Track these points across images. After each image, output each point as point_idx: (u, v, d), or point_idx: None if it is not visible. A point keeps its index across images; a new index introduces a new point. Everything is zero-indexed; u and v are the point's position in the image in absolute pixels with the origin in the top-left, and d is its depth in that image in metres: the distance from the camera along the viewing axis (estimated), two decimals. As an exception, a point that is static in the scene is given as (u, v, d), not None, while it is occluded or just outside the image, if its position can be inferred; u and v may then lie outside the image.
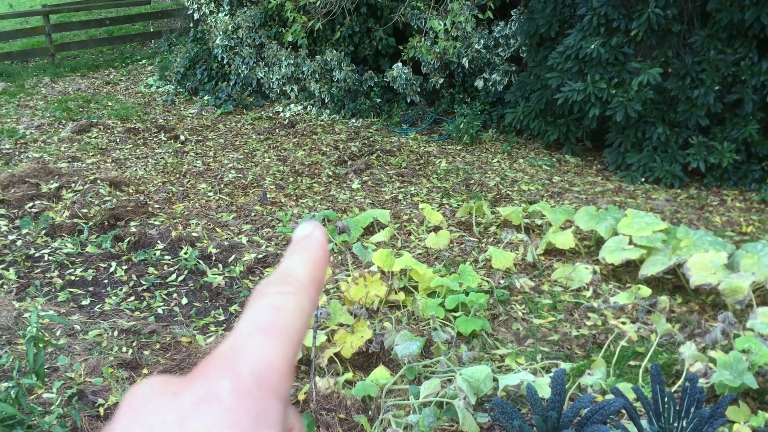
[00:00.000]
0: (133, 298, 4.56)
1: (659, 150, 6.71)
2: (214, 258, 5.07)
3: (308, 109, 9.10)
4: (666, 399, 2.85)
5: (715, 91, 6.35)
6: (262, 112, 9.13)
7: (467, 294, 4.35)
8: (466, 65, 8.44)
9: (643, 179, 6.71)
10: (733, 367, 3.36)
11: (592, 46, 6.74)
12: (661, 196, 6.37)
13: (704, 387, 3.40)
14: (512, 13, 8.31)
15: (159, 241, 5.25)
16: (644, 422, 2.89)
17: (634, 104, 6.51)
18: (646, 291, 4.40)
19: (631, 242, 4.71)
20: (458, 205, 6.05)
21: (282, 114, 9.01)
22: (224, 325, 4.30)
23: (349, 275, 4.58)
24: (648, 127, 6.73)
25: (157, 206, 6.03)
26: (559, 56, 7.05)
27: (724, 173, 6.54)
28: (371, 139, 8.06)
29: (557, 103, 7.06)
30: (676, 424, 2.83)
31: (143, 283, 4.71)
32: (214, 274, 4.85)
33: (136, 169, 6.98)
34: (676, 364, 3.76)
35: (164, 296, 4.59)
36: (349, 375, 3.73)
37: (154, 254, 5.07)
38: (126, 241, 5.21)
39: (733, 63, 6.34)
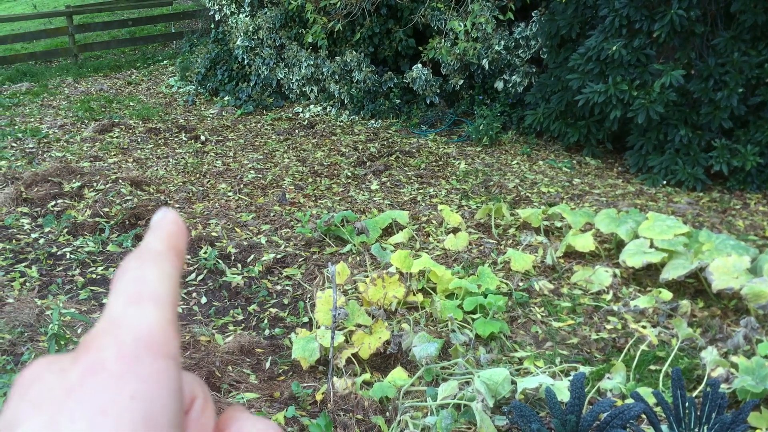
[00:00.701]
0: (153, 296, 4.58)
1: (681, 153, 6.64)
2: (233, 258, 5.09)
3: (328, 110, 9.12)
4: (687, 404, 2.82)
5: (739, 94, 6.27)
6: (282, 113, 9.16)
7: (486, 296, 4.33)
8: (486, 66, 8.41)
9: (664, 182, 6.65)
10: (756, 373, 3.32)
11: (614, 48, 6.69)
12: (683, 200, 6.31)
13: (726, 392, 3.35)
14: (533, 14, 8.28)
15: (179, 241, 5.28)
16: (665, 427, 2.86)
17: (656, 106, 6.45)
18: (667, 295, 4.35)
19: (652, 245, 4.67)
20: (477, 206, 6.03)
21: (301, 115, 9.04)
22: (243, 325, 4.31)
23: (368, 276, 4.58)
24: (670, 130, 6.67)
25: (177, 206, 6.07)
26: (580, 57, 7.01)
27: (748, 176, 6.46)
28: (390, 140, 8.06)
29: (578, 105, 7.02)
30: (697, 430, 2.80)
31: (163, 282, 4.73)
32: (233, 274, 4.88)
33: (156, 169, 7.03)
34: (698, 369, 3.71)
35: (184, 295, 4.61)
36: (366, 376, 3.73)
37: (174, 253, 5.09)
38: (146, 240, 5.24)
39: (757, 65, 6.26)
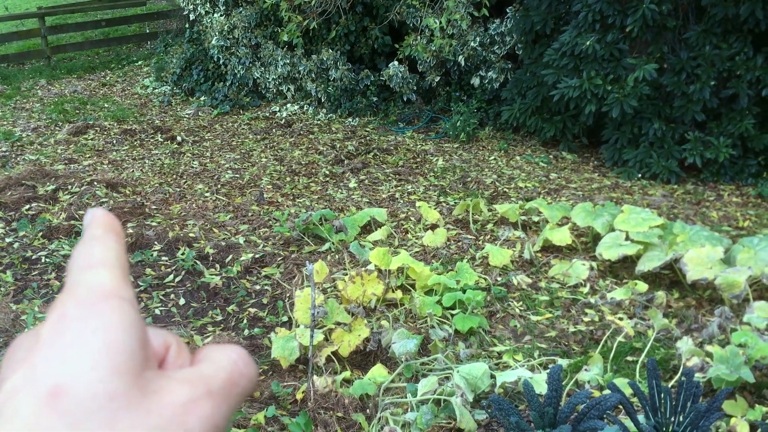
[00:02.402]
0: (130, 299, 4.55)
1: (655, 146, 6.71)
2: (211, 258, 5.07)
3: (305, 108, 9.10)
4: (662, 394, 2.86)
5: (711, 87, 6.35)
6: (259, 112, 9.12)
7: (464, 291, 4.35)
8: (462, 63, 8.43)
9: (639, 175, 6.72)
10: (730, 362, 3.37)
11: (588, 43, 6.74)
12: (657, 192, 6.38)
13: (701, 381, 3.40)
14: (507, 10, 8.31)
15: (156, 242, 5.25)
16: (641, 417, 2.90)
17: (630, 100, 6.51)
18: (642, 287, 4.40)
19: (627, 238, 4.72)
20: (455, 202, 6.06)
21: (279, 114, 9.01)
22: (222, 325, 4.30)
23: (347, 274, 4.58)
24: (644, 123, 6.74)
25: (153, 207, 6.03)
26: (555, 53, 7.06)
27: (721, 168, 6.54)
28: (368, 137, 8.06)
29: (553, 100, 7.07)
30: (673, 419, 2.84)
31: (140, 284, 4.70)
32: (212, 275, 4.86)
33: (132, 171, 6.98)
34: (674, 359, 3.76)
35: (162, 297, 4.59)
36: (347, 373, 3.73)
37: (151, 255, 5.07)
38: (123, 242, 5.20)
39: (729, 58, 6.35)
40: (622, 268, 4.81)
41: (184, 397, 0.36)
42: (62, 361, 0.33)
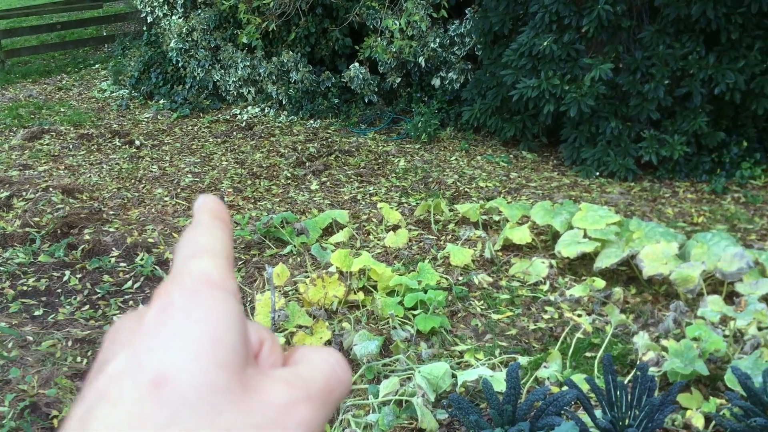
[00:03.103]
0: (87, 306, 4.48)
1: (613, 144, 6.82)
2: (171, 264, 5.00)
3: (266, 111, 9.05)
4: (619, 389, 2.91)
5: (665, 85, 6.48)
6: (219, 115, 9.05)
7: (426, 292, 4.37)
8: (423, 64, 8.47)
9: (597, 173, 6.82)
10: (684, 355, 3.44)
11: (545, 43, 6.82)
12: (615, 190, 6.48)
13: (657, 375, 3.47)
14: (467, 11, 8.37)
15: (114, 248, 5.17)
16: (598, 412, 2.94)
17: (587, 99, 6.61)
18: (600, 283, 4.47)
19: (585, 236, 4.78)
20: (417, 203, 6.08)
21: (239, 116, 8.94)
22: (182, 331, 4.24)
23: (308, 277, 4.56)
24: (601, 122, 6.84)
25: (111, 213, 5.93)
26: (513, 53, 7.13)
27: (676, 165, 6.67)
28: (330, 139, 8.05)
29: (512, 100, 7.13)
30: (629, 413, 2.89)
31: (98, 291, 4.63)
32: (171, 280, 4.79)
33: (89, 176, 6.86)
34: (631, 354, 3.83)
35: (120, 304, 4.52)
36: (308, 377, 3.71)
37: (109, 261, 4.99)
38: (80, 249, 5.12)
39: (682, 57, 6.48)
40: (580, 266, 4.88)
41: (284, 398, 0.36)
42: (165, 350, 0.33)
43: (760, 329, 3.80)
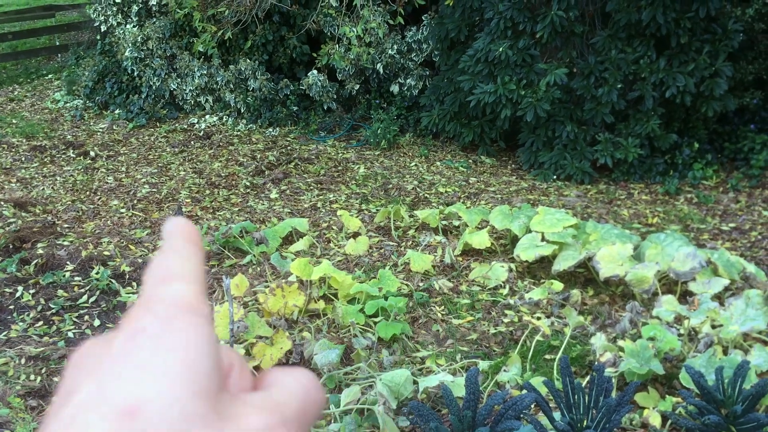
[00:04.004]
0: (41, 322, 4.38)
1: (569, 148, 6.92)
2: (127, 276, 4.92)
3: (224, 119, 8.97)
4: (576, 391, 2.94)
5: (618, 89, 6.60)
6: (177, 125, 8.94)
7: (386, 299, 4.37)
8: (381, 71, 8.49)
9: (555, 177, 6.91)
10: (640, 355, 3.50)
11: (501, 49, 6.90)
12: (572, 193, 6.57)
13: (614, 376, 3.52)
14: (423, 18, 8.42)
15: (68, 262, 5.07)
16: (558, 415, 2.97)
17: (543, 104, 6.70)
18: (558, 286, 4.52)
19: (543, 239, 4.84)
20: (377, 210, 6.08)
21: (197, 125, 8.85)
22: (139, 346, 4.17)
23: (268, 286, 4.53)
24: (557, 126, 6.94)
25: (66, 226, 5.81)
26: (470, 59, 7.19)
27: (631, 168, 6.80)
28: (289, 147, 8.01)
29: (470, 106, 7.19)
30: (587, 415, 2.92)
31: (52, 306, 4.53)
32: (128, 293, 4.72)
33: (43, 188, 6.71)
34: (589, 355, 3.88)
35: (75, 319, 4.42)
36: (269, 388, 3.68)
37: (64, 276, 4.88)
38: (33, 263, 5.00)
39: (633, 61, 6.61)
40: (539, 269, 4.93)
41: (259, 424, 0.34)
42: (137, 379, 0.32)
43: (713, 327, 3.88)
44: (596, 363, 3.65)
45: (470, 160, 7.56)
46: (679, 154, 6.81)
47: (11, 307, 4.52)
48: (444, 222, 5.67)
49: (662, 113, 6.70)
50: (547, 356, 3.93)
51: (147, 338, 0.34)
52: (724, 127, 7.19)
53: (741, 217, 5.88)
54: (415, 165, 7.42)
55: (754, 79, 7.29)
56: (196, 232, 0.42)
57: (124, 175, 7.16)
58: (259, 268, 5.04)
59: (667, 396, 3.46)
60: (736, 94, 6.93)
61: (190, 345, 0.34)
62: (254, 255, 5.20)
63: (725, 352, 3.65)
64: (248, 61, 8.60)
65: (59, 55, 12.77)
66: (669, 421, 3.28)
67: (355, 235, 5.49)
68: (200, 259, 0.40)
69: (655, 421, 3.29)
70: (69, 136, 8.49)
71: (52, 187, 6.77)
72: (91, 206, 6.30)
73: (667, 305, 4.06)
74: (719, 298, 4.20)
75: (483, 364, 3.79)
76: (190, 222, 0.42)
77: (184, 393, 0.32)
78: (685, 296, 4.29)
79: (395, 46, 8.40)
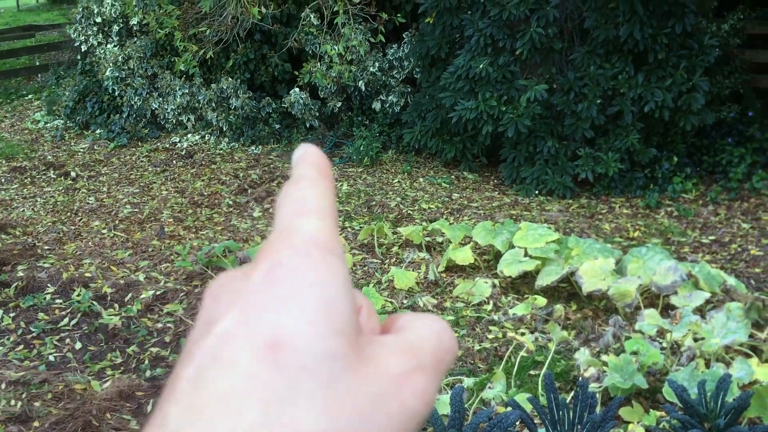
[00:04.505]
0: (22, 346, 4.33)
1: (550, 163, 6.97)
2: (109, 298, 4.88)
3: (206, 138, 8.95)
4: (561, 406, 2.94)
5: (598, 105, 6.67)
6: (158, 144, 8.91)
7: (371, 317, 4.36)
8: (363, 88, 8.52)
9: (537, 192, 6.95)
10: (624, 370, 3.51)
11: (481, 66, 6.95)
12: (554, 207, 6.62)
13: (598, 391, 3.53)
14: (404, 35, 8.48)
15: (49, 285, 5.02)
16: (542, 431, 2.97)
17: (524, 120, 6.75)
18: (542, 301, 4.54)
19: (526, 254, 4.86)
20: (360, 227, 6.08)
21: (179, 144, 8.82)
22: (122, 368, 4.13)
23: (251, 306, 4.50)
24: (538, 142, 6.99)
25: (46, 248, 5.76)
26: (451, 76, 7.24)
27: (611, 182, 6.86)
28: (272, 165, 8.01)
29: (452, 122, 7.23)
30: (573, 430, 2.92)
31: (33, 330, 4.47)
32: (110, 315, 4.67)
33: (23, 210, 6.65)
34: (573, 370, 3.89)
35: (56, 342, 4.38)
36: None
37: (44, 299, 4.83)
38: (13, 286, 4.95)
39: (612, 77, 6.68)
40: (522, 284, 4.95)
41: (398, 367, 0.33)
42: (279, 313, 0.32)
43: (695, 340, 3.91)
44: (580, 378, 3.66)
45: (453, 176, 7.60)
46: (658, 168, 6.88)
47: (-9, 331, 4.47)
48: (427, 238, 5.68)
49: (641, 128, 6.78)
50: (532, 372, 3.93)
51: (286, 272, 0.33)
52: (702, 140, 7.28)
53: (721, 230, 5.94)
54: (398, 182, 7.45)
55: (731, 93, 7.40)
56: (329, 164, 0.41)
57: (105, 196, 7.12)
58: (242, 288, 5.01)
59: (651, 410, 3.48)
60: (713, 108, 7.03)
61: (328, 282, 0.33)
62: (237, 274, 5.17)
63: (707, 365, 3.67)
64: (230, 79, 8.60)
65: (39, 75, 12.71)
66: (653, 435, 3.29)
67: (339, 252, 5.48)
68: (333, 194, 0.39)
69: (640, 435, 3.30)
70: (49, 157, 8.44)
71: (33, 209, 6.71)
72: (72, 227, 6.25)
73: (650, 319, 4.09)
74: (701, 311, 4.24)
75: (468, 381, 3.79)
76: (321, 152, 0.41)
77: (327, 330, 0.32)
78: (667, 309, 4.32)
79: (377, 64, 8.44)
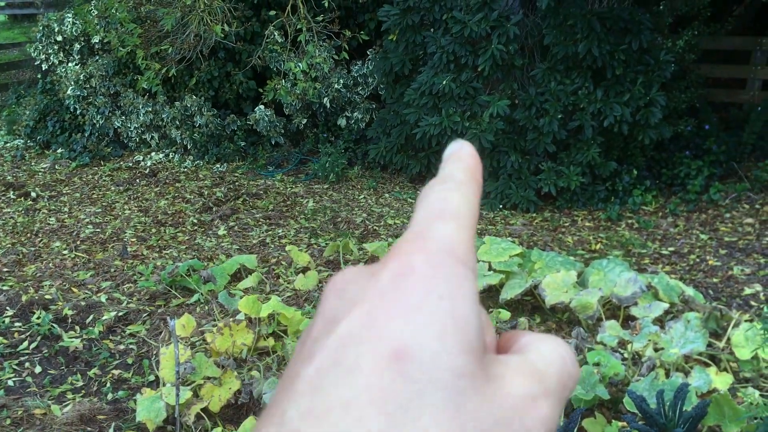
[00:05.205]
0: (-21, 371, 4.23)
1: (513, 177, 7.06)
2: (70, 320, 4.80)
3: (170, 156, 8.89)
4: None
5: (559, 120, 6.78)
6: (122, 162, 8.81)
7: (336, 333, 4.35)
8: (328, 105, 8.55)
9: (501, 206, 7.03)
10: (586, 381, 3.56)
11: (444, 82, 7.03)
12: (518, 221, 6.69)
13: (562, 402, 3.56)
14: (368, 52, 8.54)
15: (8, 308, 4.92)
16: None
17: (487, 135, 6.83)
18: (506, 314, 4.58)
19: (490, 268, 4.90)
20: (326, 244, 6.08)
21: (143, 163, 8.74)
22: (83, 391, 4.06)
23: (216, 325, 4.47)
24: (502, 156, 7.08)
25: (5, 270, 5.65)
26: (414, 92, 7.31)
27: (573, 195, 6.96)
28: (237, 183, 7.97)
29: (416, 138, 7.29)
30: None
31: (-10, 354, 4.38)
32: (71, 338, 4.60)
33: (-19, 232, 6.52)
34: (537, 383, 3.92)
35: (15, 366, 4.29)
36: (218, 430, 3.62)
37: (3, 322, 4.74)
38: (-30, 310, 4.84)
39: (572, 92, 6.80)
40: (487, 298, 4.99)
41: (523, 390, 0.32)
42: (407, 322, 0.31)
43: (655, 350, 3.98)
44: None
45: (418, 192, 7.59)
46: (619, 181, 7.00)
47: (-53, 356, 4.36)
48: (393, 254, 5.69)
49: (602, 142, 6.90)
50: (497, 385, 3.96)
51: (417, 280, 0.32)
52: (661, 154, 7.44)
53: (680, 241, 6.06)
54: (364, 198, 7.46)
55: (687, 107, 7.58)
56: (480, 167, 0.40)
57: (66, 216, 7.01)
58: (207, 307, 4.98)
59: (613, 420, 3.52)
60: (670, 122, 7.19)
61: (460, 296, 0.32)
62: (202, 294, 5.13)
63: (667, 375, 3.74)
64: (194, 97, 8.57)
65: (-1, 94, 12.50)
66: (615, 446, 3.33)
67: (305, 269, 5.47)
68: (478, 202, 0.38)
69: (603, 446, 3.34)
70: (9, 177, 8.29)
71: (-9, 230, 6.59)
72: (32, 248, 6.15)
73: (611, 330, 4.15)
74: (660, 321, 4.31)
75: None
76: (475, 152, 0.40)
77: (455, 347, 0.31)
78: (628, 321, 4.39)
79: (341, 81, 8.48)
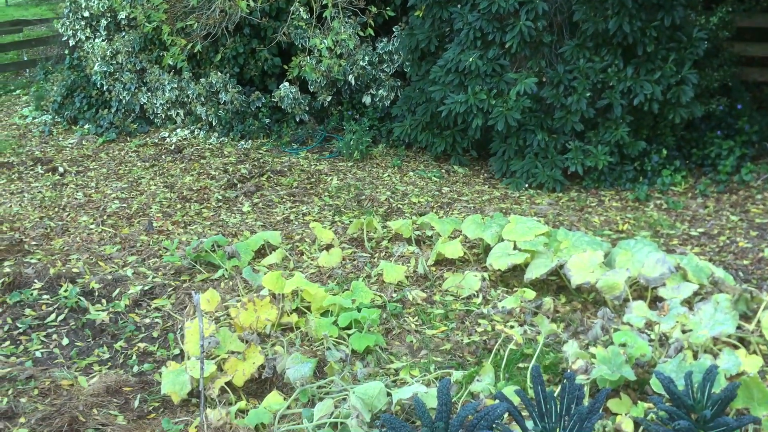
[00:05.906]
0: (8, 342, 4.29)
1: (540, 156, 6.97)
2: (96, 294, 4.85)
3: (195, 133, 8.91)
4: (548, 399, 2.94)
5: (587, 98, 6.66)
6: (147, 139, 8.86)
7: (360, 310, 4.35)
8: (353, 82, 8.50)
9: (527, 185, 6.95)
10: (612, 362, 3.51)
11: (471, 59, 6.94)
12: (544, 201, 6.61)
13: (587, 383, 3.53)
14: (394, 29, 8.46)
15: (36, 280, 4.98)
16: (530, 423, 2.97)
17: (514, 113, 6.74)
18: (530, 294, 4.54)
19: (515, 247, 4.85)
20: (350, 221, 6.07)
21: (168, 139, 8.78)
22: (109, 364, 4.11)
23: (240, 301, 4.48)
24: (528, 135, 6.98)
25: (33, 243, 5.72)
26: (440, 70, 7.23)
27: (601, 175, 6.86)
28: (261, 160, 7.98)
29: (442, 116, 7.22)
30: (560, 423, 2.92)
31: (19, 325, 4.44)
32: (97, 311, 4.64)
33: (10, 206, 6.61)
34: (562, 363, 3.89)
35: (43, 338, 4.34)
36: (242, 404, 3.64)
37: (31, 294, 4.80)
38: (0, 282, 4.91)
39: (601, 70, 6.68)
40: (512, 277, 4.95)
41: None
42: None
43: (683, 332, 3.91)
44: (568, 371, 3.66)
45: (443, 170, 7.58)
46: (648, 160, 6.88)
47: (-23, 327, 4.43)
48: (417, 232, 5.67)
49: (631, 121, 6.78)
50: (521, 365, 3.93)
51: None
52: (691, 133, 7.29)
53: (709, 222, 5.95)
54: (388, 176, 7.43)
55: (720, 86, 7.40)
56: None
57: (93, 191, 7.07)
58: (231, 283, 5.00)
59: (639, 402, 3.48)
60: (702, 101, 7.04)
61: None
62: (226, 269, 5.15)
63: (695, 357, 3.68)
64: (219, 74, 8.56)
65: (27, 70, 12.63)
66: (641, 428, 3.29)
67: (328, 247, 5.47)
68: None
69: (628, 427, 3.30)
70: (37, 152, 8.38)
71: (20, 204, 6.67)
72: (60, 223, 6.21)
73: (638, 311, 4.09)
74: (689, 303, 4.24)
75: (457, 374, 3.78)
76: None
77: None
78: (656, 302, 4.33)
79: (366, 58, 8.42)
